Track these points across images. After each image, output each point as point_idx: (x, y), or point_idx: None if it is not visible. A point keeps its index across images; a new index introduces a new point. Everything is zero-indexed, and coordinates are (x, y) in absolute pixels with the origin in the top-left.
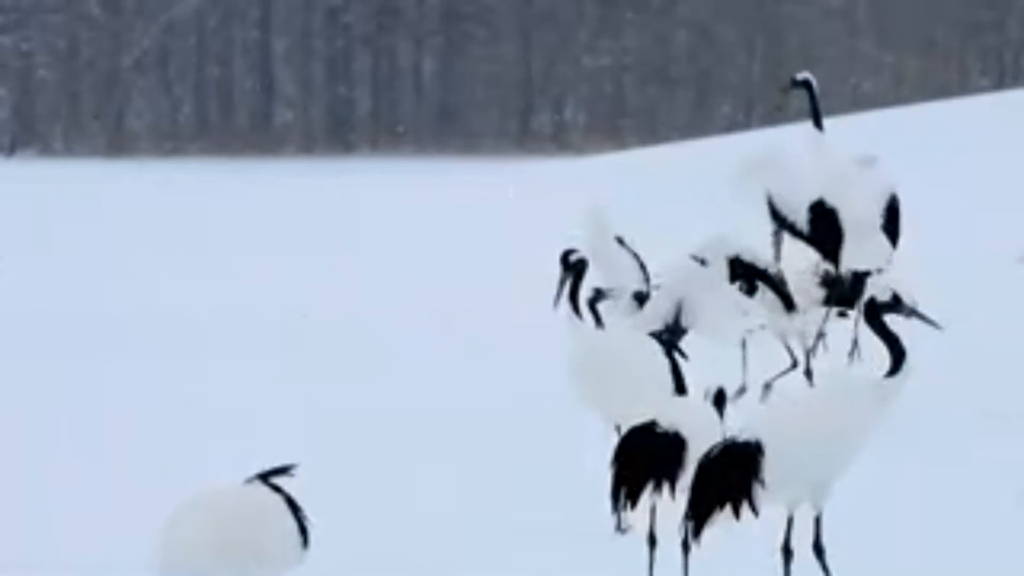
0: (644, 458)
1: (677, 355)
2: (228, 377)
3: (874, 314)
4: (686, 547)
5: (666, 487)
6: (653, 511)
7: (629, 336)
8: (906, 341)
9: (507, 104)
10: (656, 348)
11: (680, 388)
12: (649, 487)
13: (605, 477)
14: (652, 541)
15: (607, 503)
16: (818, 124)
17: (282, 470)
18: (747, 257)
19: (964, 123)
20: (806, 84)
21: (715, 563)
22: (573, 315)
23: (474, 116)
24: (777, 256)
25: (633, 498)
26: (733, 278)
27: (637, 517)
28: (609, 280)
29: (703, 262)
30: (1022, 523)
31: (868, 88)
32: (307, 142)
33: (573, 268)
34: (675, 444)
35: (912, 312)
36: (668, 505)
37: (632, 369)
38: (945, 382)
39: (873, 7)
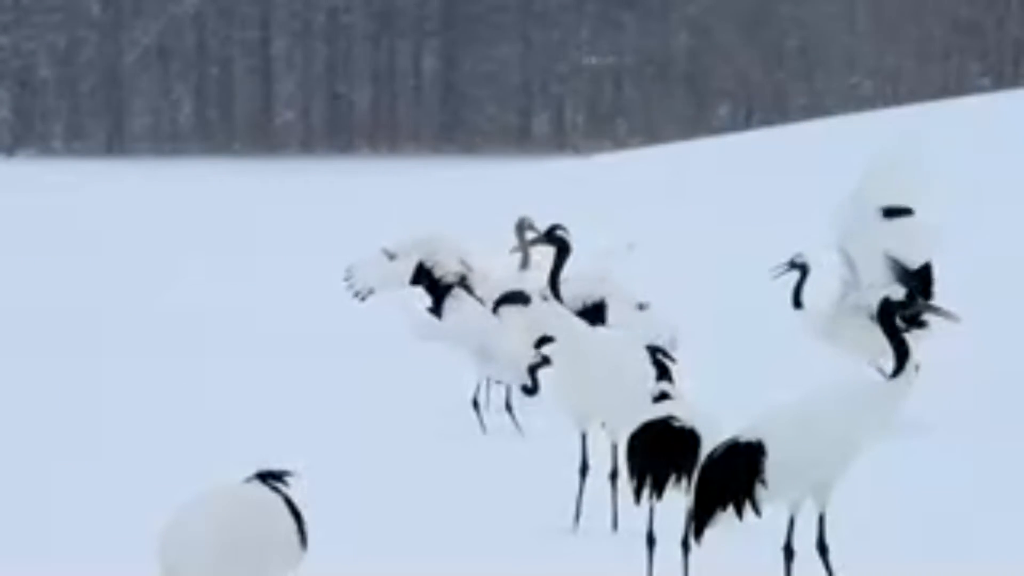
0: (667, 450)
1: (668, 367)
2: (228, 377)
3: (887, 313)
4: (686, 546)
5: (684, 481)
6: (652, 511)
7: (618, 337)
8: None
9: (507, 104)
10: (644, 354)
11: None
12: (671, 479)
13: (605, 476)
14: (651, 541)
15: (607, 503)
16: (797, 303)
17: (280, 474)
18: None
19: (964, 123)
20: (801, 267)
21: (716, 563)
22: (554, 301)
23: (474, 116)
24: None
25: (659, 489)
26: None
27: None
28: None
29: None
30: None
31: (868, 88)
32: (307, 142)
33: (554, 242)
34: (692, 439)
35: (927, 307)
36: (668, 505)
37: (616, 370)
38: (948, 381)
39: (873, 7)
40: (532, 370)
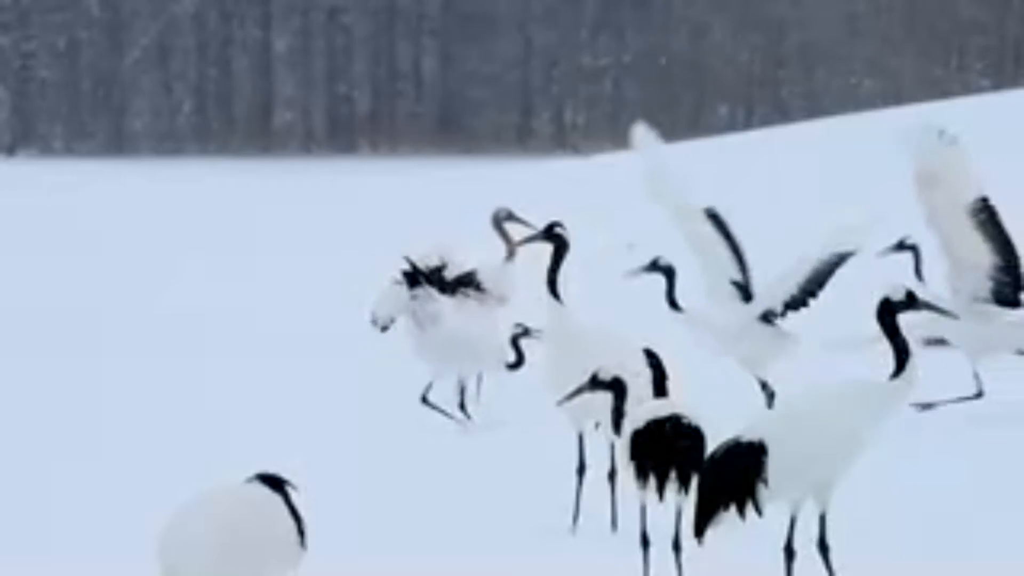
0: (679, 447)
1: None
2: (228, 377)
3: (887, 313)
4: (678, 547)
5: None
6: (644, 511)
7: (612, 336)
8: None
9: (507, 104)
10: (640, 355)
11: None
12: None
13: (603, 476)
14: (646, 542)
15: (605, 503)
16: (673, 305)
17: (280, 482)
18: None
19: (964, 123)
20: (666, 269)
21: (716, 563)
22: (552, 298)
23: (474, 116)
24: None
25: (686, 483)
26: None
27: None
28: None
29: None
30: None
31: (868, 88)
32: (307, 142)
33: (553, 240)
34: (699, 437)
35: (928, 306)
36: (666, 505)
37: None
38: (948, 381)
39: (873, 7)
40: (514, 341)
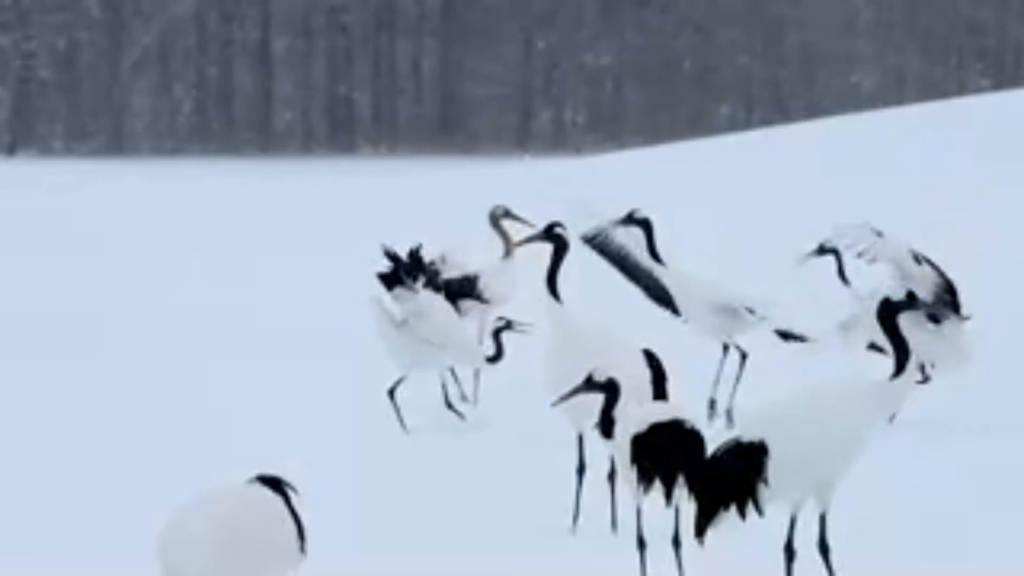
0: (686, 452)
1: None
2: (228, 377)
3: (888, 314)
4: (677, 544)
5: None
6: (640, 513)
7: (612, 336)
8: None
9: (507, 104)
10: (639, 355)
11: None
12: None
13: (603, 477)
14: (642, 543)
15: (606, 503)
16: (656, 258)
17: (280, 483)
18: None
19: (964, 123)
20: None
21: (716, 563)
22: (551, 298)
23: (474, 116)
24: None
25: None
26: None
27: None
28: None
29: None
30: None
31: (868, 88)
32: (307, 142)
33: (553, 240)
34: (699, 441)
35: (929, 307)
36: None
37: (611, 370)
38: (949, 380)
39: (873, 6)
40: (496, 334)
